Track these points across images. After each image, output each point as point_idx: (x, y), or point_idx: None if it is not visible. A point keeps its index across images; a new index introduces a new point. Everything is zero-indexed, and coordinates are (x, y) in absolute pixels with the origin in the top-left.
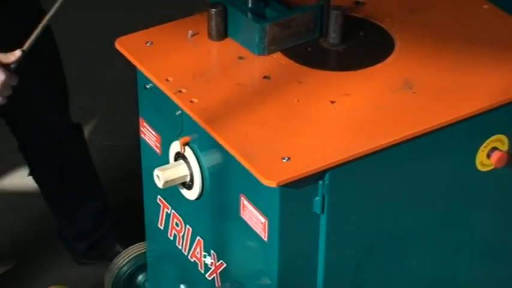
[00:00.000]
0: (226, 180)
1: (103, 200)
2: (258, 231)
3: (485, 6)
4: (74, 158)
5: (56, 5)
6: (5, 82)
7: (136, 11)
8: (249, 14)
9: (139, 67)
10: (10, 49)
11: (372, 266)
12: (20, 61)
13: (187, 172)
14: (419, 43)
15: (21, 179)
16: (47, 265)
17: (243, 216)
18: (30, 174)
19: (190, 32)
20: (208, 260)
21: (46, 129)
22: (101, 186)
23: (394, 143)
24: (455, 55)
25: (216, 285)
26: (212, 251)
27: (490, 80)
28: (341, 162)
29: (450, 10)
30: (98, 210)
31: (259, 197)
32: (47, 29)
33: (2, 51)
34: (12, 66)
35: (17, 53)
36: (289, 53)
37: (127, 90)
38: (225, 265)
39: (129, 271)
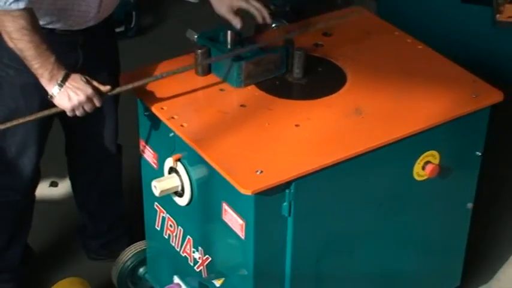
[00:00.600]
0: (210, 189)
1: (122, 207)
2: (236, 231)
3: (419, 47)
4: (112, 172)
5: (150, 79)
6: (96, 107)
7: (137, 50)
8: (228, 54)
9: (140, 98)
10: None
11: (330, 258)
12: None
13: (179, 183)
14: (367, 77)
15: (43, 190)
16: (63, 260)
17: (224, 219)
18: (52, 185)
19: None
20: (197, 255)
21: (100, 142)
22: (122, 195)
23: (347, 158)
24: (396, 86)
25: (203, 275)
26: (200, 248)
27: (424, 106)
28: (304, 174)
29: (391, 50)
30: (117, 216)
31: (237, 203)
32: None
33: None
34: (105, 96)
35: (108, 87)
36: (262, 86)
37: (130, 116)
38: (210, 259)
39: (131, 265)
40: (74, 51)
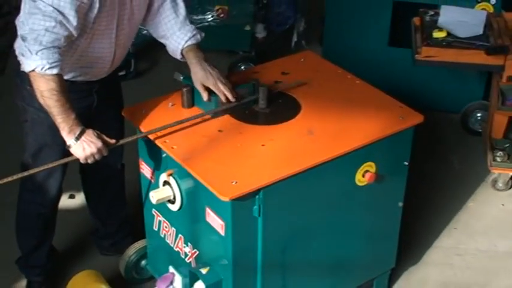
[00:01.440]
0: (196, 197)
1: (126, 212)
2: (218, 230)
3: (357, 81)
4: (118, 186)
5: (153, 130)
6: (103, 156)
7: (136, 90)
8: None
9: (138, 126)
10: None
11: (293, 249)
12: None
13: (171, 193)
14: (317, 106)
15: (63, 202)
16: (81, 256)
17: (208, 221)
18: (70, 197)
19: (170, 103)
20: (187, 250)
21: (107, 163)
22: (125, 203)
23: (303, 169)
24: (340, 112)
25: (193, 265)
26: (189, 243)
27: (362, 127)
28: (270, 183)
29: (335, 84)
30: (122, 220)
31: (218, 207)
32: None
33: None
34: (110, 147)
35: (114, 141)
36: (234, 115)
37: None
38: (198, 252)
39: (135, 258)
40: (90, 96)
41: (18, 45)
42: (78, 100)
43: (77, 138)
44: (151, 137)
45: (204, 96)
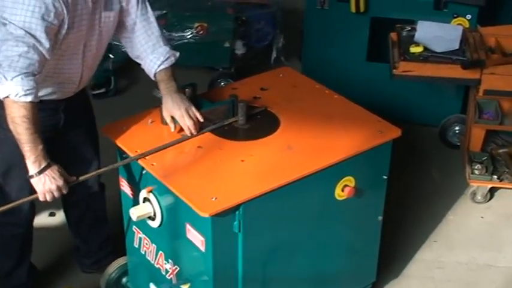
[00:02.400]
0: (176, 214)
1: (108, 231)
2: (198, 246)
3: (335, 96)
4: (98, 205)
5: (116, 164)
6: (62, 194)
7: (116, 107)
8: None
9: (118, 143)
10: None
11: (274, 264)
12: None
13: (151, 210)
14: (296, 121)
15: (44, 219)
16: (62, 273)
17: (188, 237)
18: (50, 215)
19: (149, 120)
20: (168, 266)
21: (85, 184)
22: (107, 221)
23: (283, 184)
24: (318, 127)
25: (173, 282)
26: (170, 260)
27: (341, 142)
28: (250, 198)
29: (313, 100)
30: (104, 238)
31: (198, 223)
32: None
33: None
34: (71, 184)
35: (74, 178)
36: (214, 131)
37: (111, 158)
38: (178, 269)
39: (116, 276)
40: (56, 114)
41: None
42: (45, 118)
43: (40, 172)
44: (130, 153)
45: (171, 127)
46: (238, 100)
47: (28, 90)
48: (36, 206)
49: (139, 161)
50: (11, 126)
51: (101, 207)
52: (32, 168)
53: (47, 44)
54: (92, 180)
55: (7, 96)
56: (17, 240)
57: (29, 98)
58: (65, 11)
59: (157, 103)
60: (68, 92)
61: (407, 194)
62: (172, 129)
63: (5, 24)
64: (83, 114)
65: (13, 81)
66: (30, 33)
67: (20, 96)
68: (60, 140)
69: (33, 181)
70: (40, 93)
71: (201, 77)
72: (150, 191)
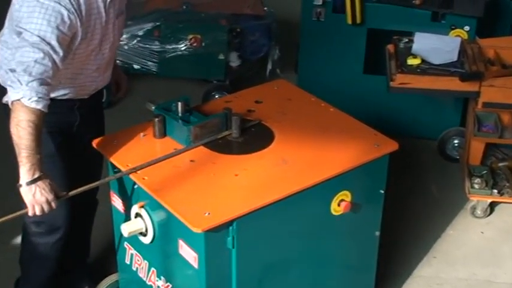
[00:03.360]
0: (168, 229)
1: (88, 257)
2: (191, 262)
3: (331, 109)
4: (90, 221)
5: (107, 179)
6: (52, 209)
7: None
8: (180, 121)
9: (110, 157)
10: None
11: (269, 280)
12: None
13: (143, 225)
14: (291, 134)
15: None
16: None
17: (181, 253)
18: None
19: (142, 134)
20: (160, 283)
21: (84, 197)
22: (90, 240)
23: (278, 199)
24: (314, 140)
25: None
26: (162, 277)
27: (337, 155)
28: (244, 214)
29: (309, 113)
30: (83, 264)
31: (191, 239)
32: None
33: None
34: (61, 199)
35: (64, 193)
36: (207, 144)
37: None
38: (171, 286)
39: None
40: (72, 112)
41: (4, 77)
42: (60, 116)
43: (32, 182)
44: (121, 167)
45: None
46: (232, 113)
47: (41, 97)
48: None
49: (131, 176)
50: (13, 130)
51: (91, 222)
52: (25, 176)
53: (60, 53)
54: (94, 192)
55: (19, 100)
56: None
57: (40, 105)
58: (78, 23)
59: (150, 116)
60: (83, 94)
61: (406, 208)
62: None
63: (20, 33)
64: (97, 119)
65: (28, 86)
66: (45, 41)
67: (32, 102)
68: (73, 142)
69: (22, 190)
70: (54, 95)
71: (195, 89)
72: (142, 206)
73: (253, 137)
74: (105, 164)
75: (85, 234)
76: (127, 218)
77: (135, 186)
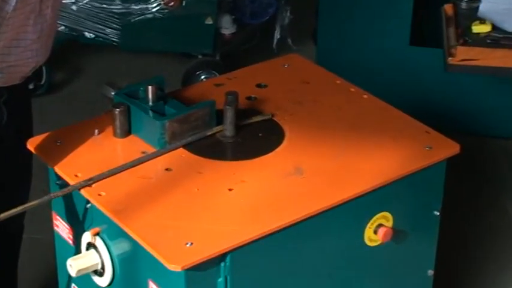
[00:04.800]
0: (134, 266)
1: None
2: None
3: (364, 96)
4: (13, 257)
5: (42, 199)
6: None
7: (48, 110)
8: (150, 112)
9: (51, 165)
10: None
11: None
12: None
13: (98, 260)
14: (307, 132)
15: None
16: None
17: None
18: None
19: (96, 131)
20: None
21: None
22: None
23: (289, 224)
24: (340, 141)
25: None
26: None
27: (372, 163)
28: (240, 244)
29: (333, 101)
30: None
31: (165, 280)
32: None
33: None
34: None
35: None
36: (189, 146)
37: (40, 186)
38: None
39: None
40: None
41: None
42: None
43: None
44: (68, 179)
45: None
46: (225, 102)
47: None
48: None
49: (82, 191)
50: None
51: (17, 252)
52: None
53: None
54: (20, 216)
55: None
56: None
57: None
58: None
59: (107, 106)
60: (16, 77)
61: (471, 236)
62: None
63: None
64: (26, 115)
65: None
66: None
67: None
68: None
69: None
70: None
71: (172, 67)
72: (97, 234)
73: (254, 136)
74: (44, 174)
75: (7, 275)
76: (76, 250)
77: (88, 206)
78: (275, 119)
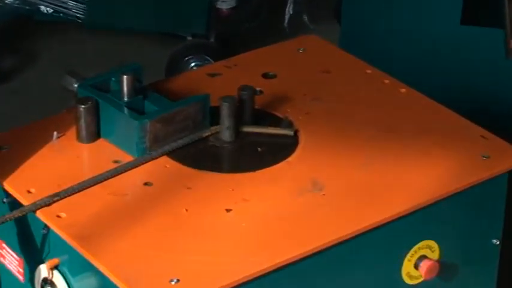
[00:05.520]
0: None
1: None
2: None
3: (402, 90)
4: None
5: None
6: None
7: None
8: (126, 110)
9: None
10: None
11: None
12: None
13: None
14: (328, 136)
15: None
16: None
17: None
18: None
19: (55, 133)
20: None
21: None
22: None
23: (302, 256)
24: (370, 148)
25: None
26: None
27: (411, 176)
28: (241, 282)
29: (361, 96)
30: None
31: None
32: None
33: None
34: None
35: None
36: (175, 154)
37: None
38: None
39: None
40: None
41: None
42: None
43: None
44: (19, 197)
45: None
46: (222, 97)
47: None
48: None
49: (38, 212)
50: None
51: None
52: None
53: None
54: None
55: None
56: None
57: None
58: None
59: (70, 102)
60: None
61: None
62: None
63: None
64: None
65: None
66: None
67: None
68: None
69: None
70: None
71: (154, 51)
72: (55, 267)
73: (260, 141)
74: None
75: None
76: (29, 286)
77: (44, 231)
78: (286, 118)
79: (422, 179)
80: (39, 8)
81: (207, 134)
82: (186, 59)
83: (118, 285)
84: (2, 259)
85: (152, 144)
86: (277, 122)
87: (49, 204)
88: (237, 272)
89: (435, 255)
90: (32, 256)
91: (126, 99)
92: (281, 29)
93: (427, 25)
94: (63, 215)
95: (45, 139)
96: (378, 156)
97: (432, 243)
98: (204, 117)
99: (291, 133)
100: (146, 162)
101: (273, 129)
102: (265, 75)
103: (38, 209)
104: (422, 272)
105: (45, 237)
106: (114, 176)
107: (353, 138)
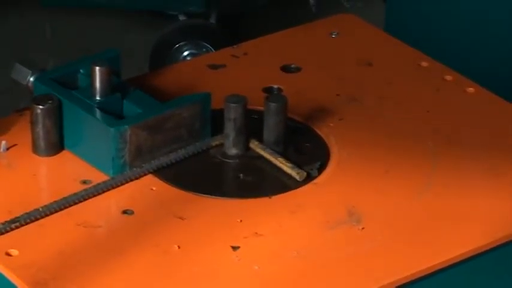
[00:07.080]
0: None
1: None
2: None
3: (470, 89)
4: None
5: None
6: None
7: None
8: (98, 112)
9: None
10: None
11: None
12: None
13: None
14: (368, 150)
15: None
16: None
17: None
18: None
19: (3, 143)
20: None
21: None
22: None
23: None
24: (425, 167)
25: None
26: None
27: (480, 205)
28: None
29: (414, 96)
30: None
31: None
32: None
33: None
34: None
35: None
36: (164, 172)
37: None
38: None
39: None
40: None
41: None
42: None
43: None
44: None
45: None
46: (228, 97)
47: None
48: None
49: None
50: None
51: None
52: None
53: None
54: None
55: None
56: None
57: None
58: None
59: (24, 101)
60: None
61: None
62: None
63: None
64: None
65: None
66: None
67: None
68: None
69: None
70: None
71: (136, 35)
72: None
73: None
74: None
75: None
76: None
77: None
78: (313, 127)
79: (495, 208)
80: None
81: (207, 146)
82: (178, 45)
83: None
84: None
85: (133, 159)
86: (300, 132)
87: (2, 233)
88: None
89: None
90: None
91: (98, 98)
92: (305, 7)
93: (491, 5)
94: (14, 252)
95: None
96: (436, 177)
97: None
98: (203, 124)
99: (297, 177)
100: (126, 183)
101: (282, 161)
102: (285, 68)
103: None
104: None
105: None
106: (83, 201)
107: (400, 153)
